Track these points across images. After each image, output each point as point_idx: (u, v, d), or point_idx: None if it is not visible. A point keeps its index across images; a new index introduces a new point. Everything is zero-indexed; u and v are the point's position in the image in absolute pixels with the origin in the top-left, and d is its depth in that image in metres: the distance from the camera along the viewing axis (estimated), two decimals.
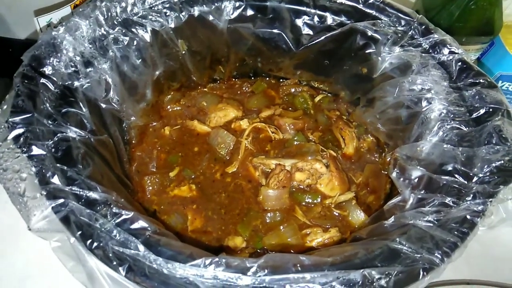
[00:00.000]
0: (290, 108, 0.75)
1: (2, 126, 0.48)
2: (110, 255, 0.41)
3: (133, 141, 0.68)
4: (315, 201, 0.64)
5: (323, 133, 0.72)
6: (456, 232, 0.44)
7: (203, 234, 0.61)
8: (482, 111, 0.53)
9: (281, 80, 0.79)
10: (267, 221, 0.62)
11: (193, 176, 0.66)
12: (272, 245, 0.59)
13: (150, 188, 0.64)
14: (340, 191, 0.65)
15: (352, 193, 0.65)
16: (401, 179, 0.54)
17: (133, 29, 0.58)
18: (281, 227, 0.60)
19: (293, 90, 0.77)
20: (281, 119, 0.72)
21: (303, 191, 0.65)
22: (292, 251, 0.58)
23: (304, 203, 0.64)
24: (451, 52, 0.57)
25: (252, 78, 0.79)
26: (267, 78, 0.79)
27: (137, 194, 0.63)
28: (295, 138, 0.70)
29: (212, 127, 0.72)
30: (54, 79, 0.52)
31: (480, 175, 0.48)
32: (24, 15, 0.72)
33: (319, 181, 0.65)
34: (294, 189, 0.65)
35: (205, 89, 0.77)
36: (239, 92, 0.78)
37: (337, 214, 0.63)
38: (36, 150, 0.46)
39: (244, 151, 0.68)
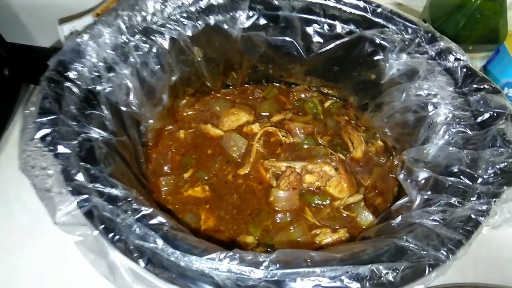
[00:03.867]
0: (300, 113, 0.77)
1: (30, 126, 0.51)
2: (131, 248, 0.43)
3: (150, 143, 0.70)
4: (324, 202, 0.66)
5: (332, 137, 0.74)
6: (461, 231, 0.45)
7: (216, 233, 0.63)
8: (486, 115, 0.54)
9: (291, 86, 0.81)
10: (278, 221, 0.64)
11: (206, 178, 0.68)
12: (282, 244, 0.61)
13: (165, 188, 0.67)
14: (348, 193, 0.66)
15: (360, 195, 0.67)
16: (408, 180, 0.56)
17: (152, 37, 0.61)
18: (291, 227, 0.62)
19: (303, 95, 0.79)
20: (291, 123, 0.74)
21: (313, 192, 0.67)
22: None
23: (313, 205, 0.66)
24: (456, 59, 0.58)
25: (264, 84, 0.82)
26: (278, 84, 0.82)
27: (153, 194, 0.66)
28: (305, 142, 0.72)
29: (225, 130, 0.74)
30: (79, 83, 0.55)
31: (485, 176, 0.50)
32: (48, 24, 0.75)
33: (328, 183, 0.67)
34: (304, 191, 0.67)
35: (218, 95, 0.79)
36: (251, 97, 0.80)
37: (345, 215, 0.65)
38: (61, 149, 0.48)
39: (255, 154, 0.71)
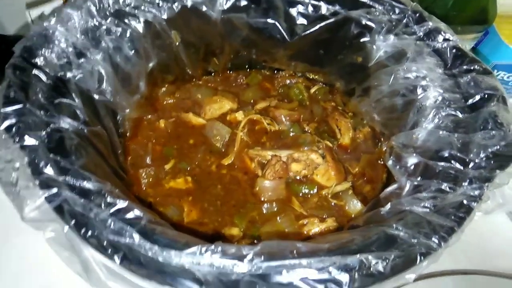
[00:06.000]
0: (285, 100, 0.75)
1: None
2: (105, 243, 0.40)
3: (128, 134, 0.67)
4: (311, 191, 0.64)
5: (319, 124, 0.72)
6: (453, 217, 0.44)
7: (199, 225, 0.61)
8: (477, 97, 0.53)
9: (276, 71, 0.79)
10: (264, 212, 0.62)
11: (188, 169, 0.66)
12: (269, 236, 0.59)
13: (146, 180, 0.64)
14: (336, 181, 0.64)
15: (348, 183, 0.65)
16: (397, 167, 0.54)
17: (125, 20, 0.58)
18: (278, 218, 0.60)
19: (288, 81, 0.77)
20: (276, 110, 0.71)
21: (300, 181, 0.65)
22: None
23: (300, 194, 0.64)
24: (445, 40, 0.56)
25: (247, 70, 0.79)
26: (262, 70, 0.79)
27: (132, 187, 0.63)
28: (291, 130, 0.70)
29: (208, 119, 0.71)
30: (47, 70, 0.51)
31: (476, 160, 0.48)
32: (15, 9, 0.71)
33: (315, 171, 0.65)
34: (290, 180, 0.65)
35: (199, 82, 0.77)
36: (234, 84, 0.77)
37: (333, 204, 0.63)
38: (28, 141, 0.45)
39: (239, 143, 0.68)
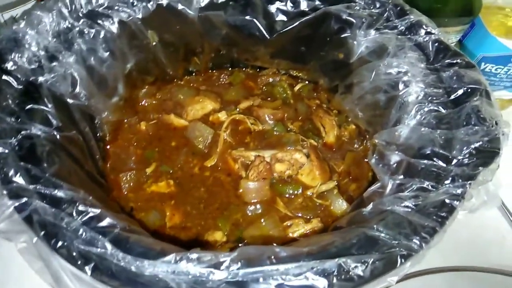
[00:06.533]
0: (269, 98, 0.73)
1: None
2: (75, 254, 0.39)
3: (107, 138, 0.65)
4: (296, 192, 0.63)
5: (303, 122, 0.70)
6: (434, 217, 0.43)
7: (182, 230, 0.60)
8: (460, 92, 0.51)
9: (259, 70, 0.77)
10: (248, 214, 0.61)
11: (171, 171, 0.65)
12: (254, 239, 0.58)
13: (126, 185, 0.62)
14: (321, 180, 0.63)
15: (333, 182, 0.63)
16: (380, 165, 0.53)
17: (99, 21, 0.56)
18: (262, 220, 0.59)
19: (271, 80, 0.75)
20: (260, 110, 0.70)
21: (284, 182, 0.64)
22: (274, 243, 0.57)
23: (287, 195, 0.63)
24: (427, 33, 0.55)
25: (230, 69, 0.77)
26: (245, 69, 0.78)
27: (112, 192, 0.61)
28: (275, 129, 0.68)
29: (190, 120, 0.70)
30: (17, 75, 0.50)
31: (459, 157, 0.47)
32: None
33: (300, 171, 0.63)
34: (274, 181, 0.64)
35: (181, 82, 0.75)
36: (216, 84, 0.76)
37: (318, 204, 0.62)
38: None
39: (222, 144, 0.67)
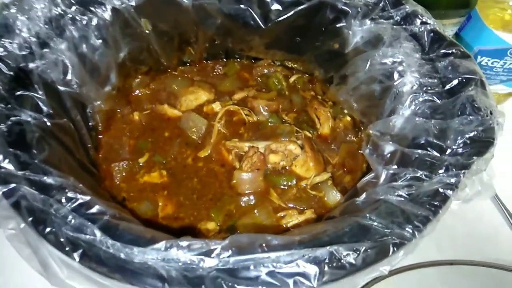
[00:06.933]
0: (264, 90, 0.73)
1: None
2: (63, 240, 0.39)
3: (100, 127, 0.65)
4: (290, 183, 0.62)
5: (298, 114, 0.70)
6: (427, 206, 0.42)
7: (175, 220, 0.59)
8: (455, 82, 0.51)
9: (254, 61, 0.77)
10: (242, 205, 0.60)
11: (164, 162, 0.64)
12: (247, 229, 0.57)
13: (119, 175, 0.62)
14: (315, 172, 0.63)
15: (328, 173, 0.63)
16: (374, 155, 0.52)
17: (91, 8, 0.55)
18: (255, 210, 0.59)
19: (266, 71, 0.75)
20: (254, 101, 0.69)
21: (278, 173, 0.63)
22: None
23: (279, 186, 0.62)
24: (422, 23, 0.54)
25: (224, 59, 0.77)
26: (240, 60, 0.77)
27: (104, 182, 0.61)
28: (270, 120, 0.68)
29: (183, 111, 0.69)
30: (7, 61, 0.49)
31: (454, 147, 0.47)
32: None
33: (294, 162, 0.63)
34: (268, 172, 0.63)
35: (175, 72, 0.74)
36: (211, 74, 0.75)
37: (312, 195, 0.61)
38: None
39: (216, 134, 0.66)
